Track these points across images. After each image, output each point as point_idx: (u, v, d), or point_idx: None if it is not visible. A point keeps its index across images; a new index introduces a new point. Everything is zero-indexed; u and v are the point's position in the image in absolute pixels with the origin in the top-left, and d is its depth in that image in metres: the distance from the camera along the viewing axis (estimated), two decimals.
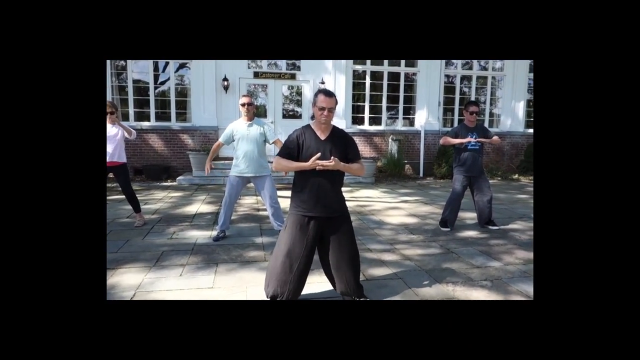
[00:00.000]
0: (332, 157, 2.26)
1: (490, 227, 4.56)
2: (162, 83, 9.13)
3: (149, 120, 8.81)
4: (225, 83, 8.72)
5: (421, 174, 9.52)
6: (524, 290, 2.82)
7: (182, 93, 9.06)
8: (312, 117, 2.45)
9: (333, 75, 9.19)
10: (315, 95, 2.35)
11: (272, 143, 3.98)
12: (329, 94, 2.32)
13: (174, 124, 8.87)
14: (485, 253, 3.68)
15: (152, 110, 8.79)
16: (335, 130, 2.43)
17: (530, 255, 3.64)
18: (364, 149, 9.45)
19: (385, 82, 9.69)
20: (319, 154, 2.27)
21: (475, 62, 10.18)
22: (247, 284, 2.86)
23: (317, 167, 2.27)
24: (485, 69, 10.28)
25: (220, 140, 4.03)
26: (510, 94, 10.18)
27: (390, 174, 9.13)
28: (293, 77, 9.23)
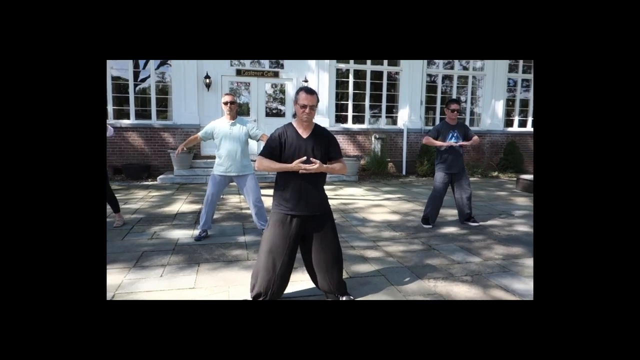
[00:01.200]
0: (315, 161, 2.26)
1: (470, 223, 4.65)
2: (143, 80, 8.93)
3: (128, 118, 8.62)
4: (207, 81, 8.61)
5: (404, 172, 9.62)
6: (504, 285, 2.89)
7: (163, 90, 8.90)
8: (294, 115, 2.44)
9: (316, 74, 9.18)
10: (297, 93, 2.34)
11: (260, 139, 3.93)
12: (310, 92, 2.31)
13: (154, 122, 8.70)
14: (466, 249, 3.75)
15: (132, 108, 8.61)
16: (317, 128, 2.43)
17: (508, 250, 3.73)
18: (347, 148, 9.48)
19: (368, 81, 9.74)
20: (304, 158, 2.27)
21: (456, 61, 10.34)
22: (230, 284, 2.84)
23: (300, 171, 2.27)
24: (466, 68, 10.45)
25: (199, 134, 3.98)
26: (490, 93, 10.37)
27: (373, 172, 9.19)
28: (276, 75, 9.18)
